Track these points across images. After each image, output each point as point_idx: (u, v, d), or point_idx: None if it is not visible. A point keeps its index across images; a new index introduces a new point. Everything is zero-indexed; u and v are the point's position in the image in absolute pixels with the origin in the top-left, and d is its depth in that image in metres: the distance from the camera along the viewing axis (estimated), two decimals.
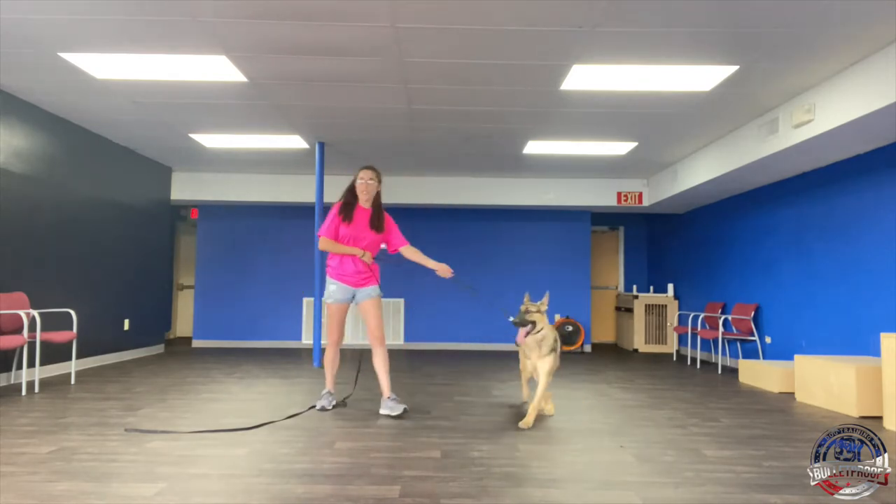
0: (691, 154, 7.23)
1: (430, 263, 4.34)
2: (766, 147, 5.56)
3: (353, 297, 4.35)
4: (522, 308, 4.09)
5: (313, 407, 4.45)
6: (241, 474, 2.87)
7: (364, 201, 4.31)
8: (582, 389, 5.54)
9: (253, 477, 2.83)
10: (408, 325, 9.29)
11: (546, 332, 4.08)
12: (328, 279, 4.35)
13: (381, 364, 4.31)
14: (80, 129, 6.44)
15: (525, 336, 4.02)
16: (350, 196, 4.32)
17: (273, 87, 5.10)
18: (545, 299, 4.16)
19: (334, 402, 4.48)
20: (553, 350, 4.08)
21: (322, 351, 7.52)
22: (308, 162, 7.67)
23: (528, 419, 3.92)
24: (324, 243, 4.25)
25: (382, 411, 4.24)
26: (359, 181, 4.29)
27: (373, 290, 4.34)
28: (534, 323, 4.03)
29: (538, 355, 4.08)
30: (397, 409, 4.17)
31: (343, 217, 4.25)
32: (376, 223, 4.31)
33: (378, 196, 4.39)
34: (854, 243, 5.49)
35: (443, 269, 4.32)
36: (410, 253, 4.42)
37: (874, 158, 5.26)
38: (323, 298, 4.33)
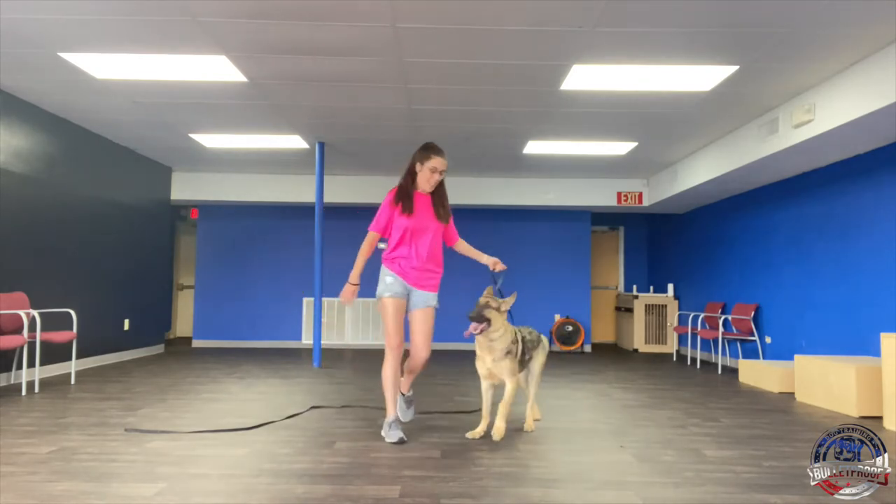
0: (691, 154, 7.23)
1: (483, 258, 3.86)
2: (766, 147, 5.56)
3: (407, 298, 3.73)
4: (482, 301, 3.60)
5: (314, 407, 4.44)
6: (241, 474, 2.87)
7: (424, 188, 3.70)
8: (582, 389, 5.54)
9: (253, 477, 2.83)
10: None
11: (502, 333, 3.62)
12: (383, 269, 3.69)
13: (415, 366, 3.90)
14: (80, 129, 6.44)
15: (477, 332, 3.55)
16: (408, 181, 3.69)
17: (273, 87, 5.10)
18: (510, 299, 3.68)
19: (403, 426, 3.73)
20: (509, 353, 3.63)
21: (322, 351, 7.55)
22: (308, 162, 7.67)
23: (499, 426, 3.62)
24: (366, 239, 3.69)
25: None
26: (426, 171, 3.63)
27: (431, 297, 3.74)
28: (489, 321, 3.56)
29: (493, 358, 3.64)
30: (407, 416, 3.96)
31: (403, 208, 3.62)
32: (443, 213, 3.74)
33: (441, 182, 3.76)
34: (854, 243, 5.49)
35: (496, 263, 3.81)
36: (464, 248, 3.95)
37: (874, 158, 5.26)
38: (377, 293, 3.69)
